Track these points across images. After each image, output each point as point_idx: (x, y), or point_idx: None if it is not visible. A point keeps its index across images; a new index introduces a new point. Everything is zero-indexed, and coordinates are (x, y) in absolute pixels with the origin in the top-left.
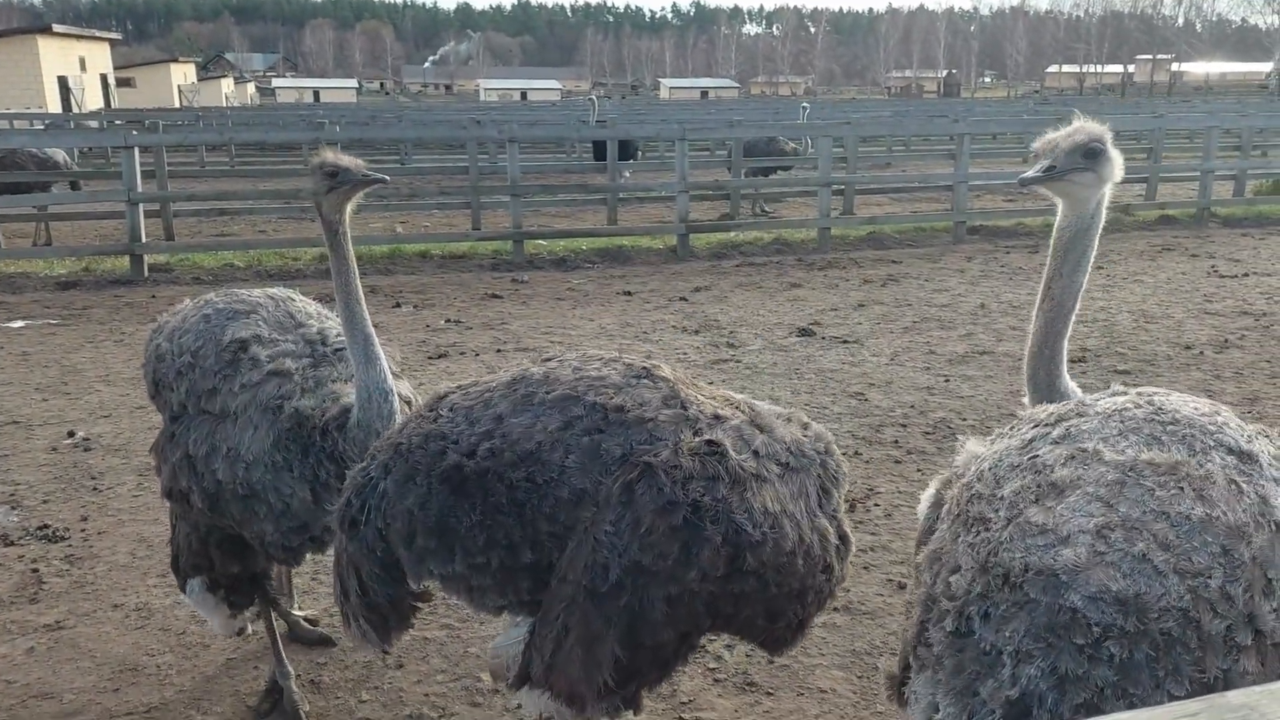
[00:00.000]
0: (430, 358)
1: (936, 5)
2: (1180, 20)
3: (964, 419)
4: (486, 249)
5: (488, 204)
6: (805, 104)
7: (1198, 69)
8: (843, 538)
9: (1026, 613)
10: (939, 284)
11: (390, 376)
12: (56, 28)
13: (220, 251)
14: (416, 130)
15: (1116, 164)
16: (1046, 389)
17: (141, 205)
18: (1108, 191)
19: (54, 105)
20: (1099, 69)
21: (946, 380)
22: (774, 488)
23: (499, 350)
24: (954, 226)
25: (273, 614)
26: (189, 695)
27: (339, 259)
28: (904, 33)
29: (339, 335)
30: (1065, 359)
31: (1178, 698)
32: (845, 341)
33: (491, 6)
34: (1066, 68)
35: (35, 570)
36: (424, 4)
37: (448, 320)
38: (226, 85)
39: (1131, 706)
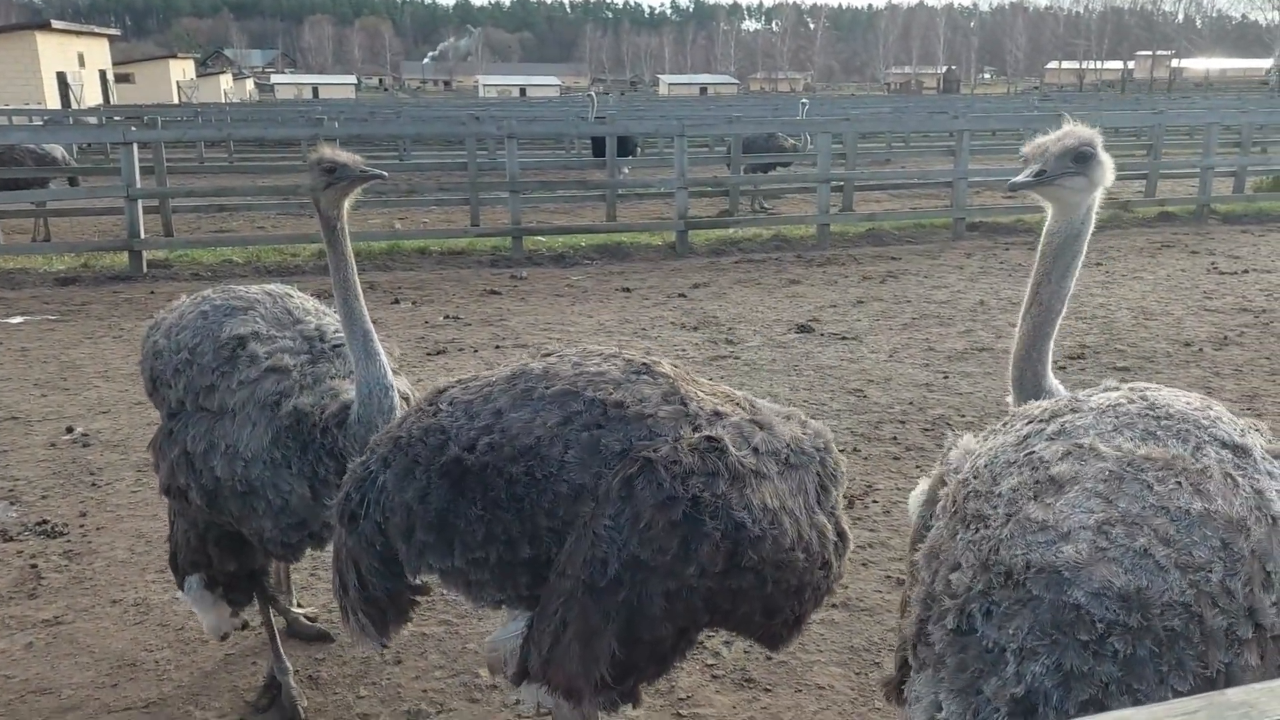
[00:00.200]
0: (429, 354)
1: (936, 1)
2: (1180, 16)
3: (963, 415)
4: (485, 245)
5: (486, 200)
6: (804, 100)
7: (1198, 65)
8: (841, 535)
9: (1030, 610)
10: (938, 280)
11: (390, 372)
12: (55, 23)
13: (219, 247)
14: (415, 126)
15: (1107, 168)
16: (1033, 390)
17: (140, 201)
18: (1099, 195)
19: (53, 101)
20: (1099, 65)
21: (945, 377)
22: (773, 484)
23: (498, 346)
24: (953, 223)
25: (271, 610)
26: (187, 690)
27: (337, 255)
28: (903, 29)
29: (337, 331)
30: (1050, 360)
31: (1181, 692)
32: (844, 338)
33: (491, 2)
34: (1066, 64)
35: (34, 566)
36: (423, 0)
37: (446, 316)
38: (225, 81)
39: (1136, 702)
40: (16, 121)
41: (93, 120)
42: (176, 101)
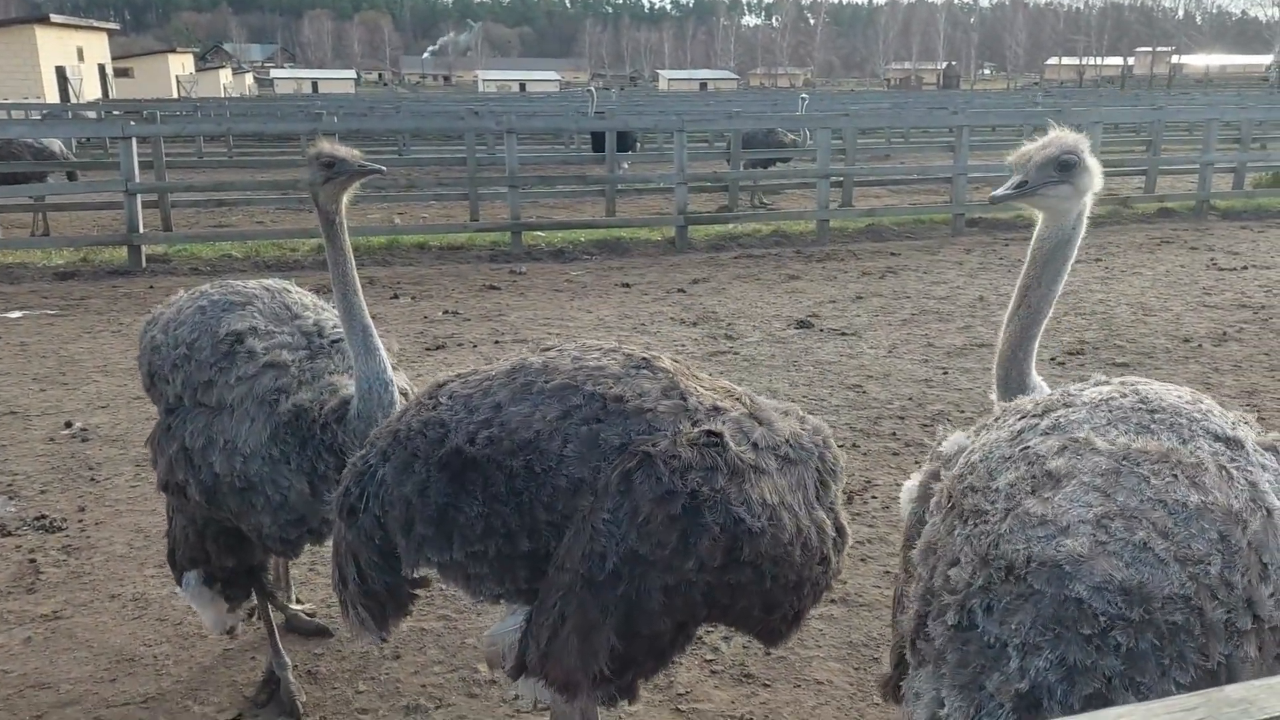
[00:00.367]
0: (428, 349)
1: None
2: (1180, 13)
3: (961, 411)
4: (484, 240)
5: (486, 195)
6: (804, 95)
7: (1198, 61)
8: (840, 531)
9: (1032, 604)
10: (937, 276)
11: (390, 367)
12: (54, 18)
13: (218, 242)
14: (415, 121)
15: (1094, 173)
16: (1018, 388)
17: (139, 196)
18: (1089, 201)
19: (52, 95)
20: (1099, 61)
21: (944, 373)
22: (772, 480)
23: (497, 342)
24: (953, 219)
25: (270, 605)
26: (186, 685)
27: (336, 250)
28: (903, 24)
29: (335, 327)
30: (1035, 358)
31: (1183, 685)
32: (843, 333)
33: None
34: (1066, 60)
35: (32, 560)
36: None
37: (445, 312)
38: (224, 76)
39: (1139, 694)
40: (15, 116)
41: (92, 115)
42: (176, 96)
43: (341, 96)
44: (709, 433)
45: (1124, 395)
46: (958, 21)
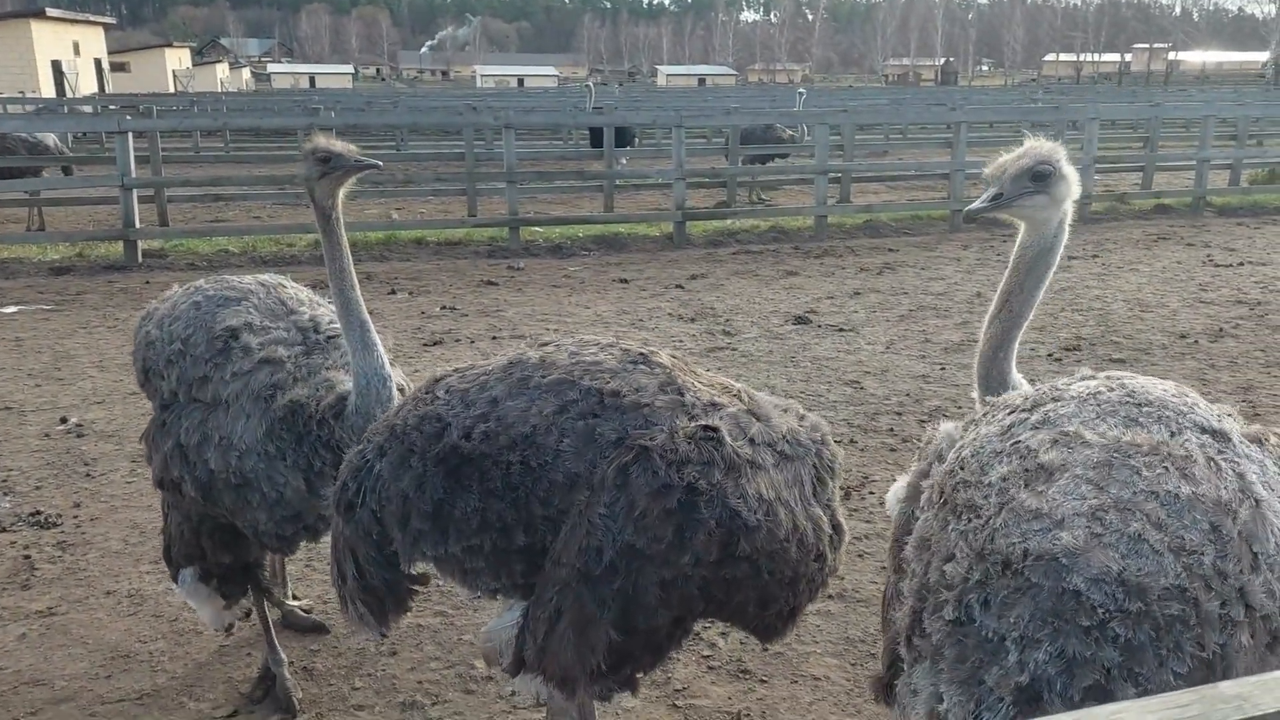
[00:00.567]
0: (425, 345)
1: None
2: (1177, 9)
3: (959, 407)
4: (482, 235)
5: (484, 190)
6: (801, 90)
7: (1195, 58)
8: (836, 527)
9: (1030, 598)
10: (935, 272)
11: (387, 363)
12: (50, 11)
13: (215, 237)
14: (412, 116)
15: (1071, 182)
16: (999, 386)
17: (135, 190)
18: (1069, 209)
19: (48, 89)
20: (1096, 58)
21: (942, 369)
22: (769, 475)
23: (494, 337)
24: (950, 215)
25: (265, 602)
26: (181, 682)
27: (332, 245)
28: (901, 20)
29: (331, 322)
30: (1015, 358)
31: (1180, 675)
32: (841, 329)
33: None
34: (1064, 56)
35: (27, 556)
36: None
37: (443, 307)
38: (222, 70)
39: (1138, 685)
40: (11, 110)
41: (88, 109)
42: (172, 91)
43: (339, 91)
44: (706, 427)
45: (1111, 389)
46: (956, 18)
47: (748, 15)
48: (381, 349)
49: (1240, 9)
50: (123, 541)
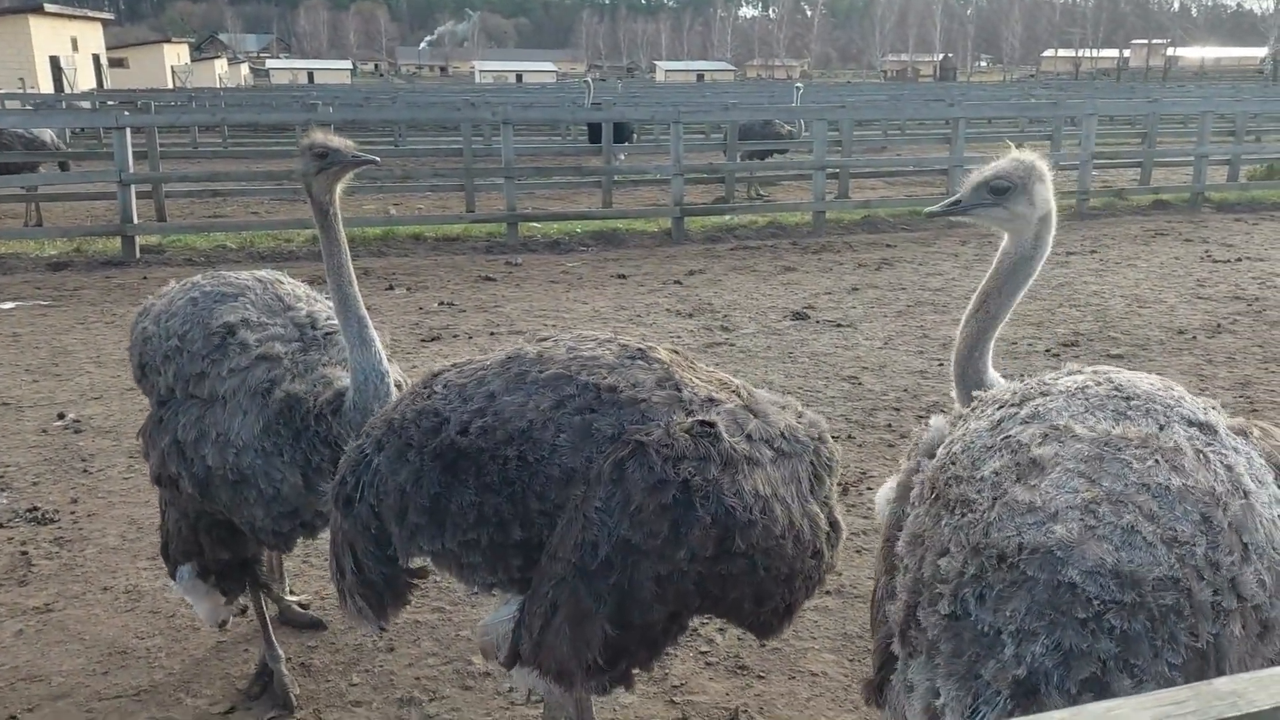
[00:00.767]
0: (423, 340)
1: None
2: (1176, 5)
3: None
4: (480, 231)
5: (482, 186)
6: (798, 85)
7: (1193, 54)
8: (833, 525)
9: (1025, 591)
10: (933, 268)
11: (385, 359)
12: (48, 7)
13: (212, 233)
14: (411, 112)
15: (1037, 198)
16: (975, 385)
17: (133, 186)
18: (1052, 222)
19: (46, 85)
20: (1094, 53)
21: (940, 364)
22: (766, 471)
23: (492, 333)
24: None
25: (263, 597)
26: (178, 678)
27: (330, 240)
28: (900, 16)
29: (329, 318)
30: (991, 356)
31: (1174, 665)
32: (839, 325)
33: None
34: (1062, 52)
35: (24, 552)
36: None
37: (441, 303)
38: (220, 66)
39: (1134, 676)
40: (9, 106)
41: (86, 105)
42: (171, 86)
43: (337, 87)
44: (703, 423)
45: (1098, 383)
46: (954, 14)
47: (746, 11)
48: (379, 345)
49: (1238, 5)
50: (120, 537)
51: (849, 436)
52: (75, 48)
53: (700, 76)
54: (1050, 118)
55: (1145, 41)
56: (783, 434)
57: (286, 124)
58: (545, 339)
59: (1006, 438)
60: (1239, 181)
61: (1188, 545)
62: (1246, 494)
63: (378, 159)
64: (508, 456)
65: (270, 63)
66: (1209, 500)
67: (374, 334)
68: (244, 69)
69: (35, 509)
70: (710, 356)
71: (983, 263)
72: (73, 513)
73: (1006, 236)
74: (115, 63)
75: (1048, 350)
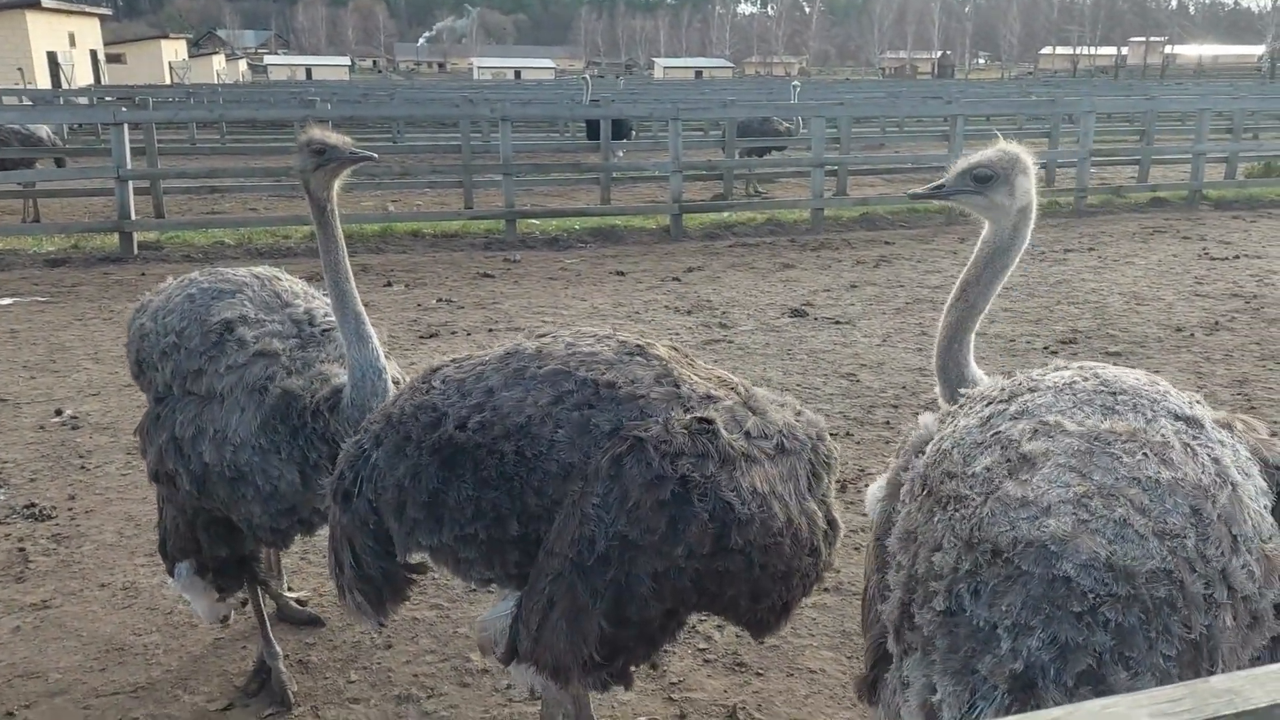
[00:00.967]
0: (421, 337)
1: None
2: (1174, 3)
3: None
4: (479, 228)
5: (480, 183)
6: (796, 83)
7: (1190, 51)
8: (831, 523)
9: (1020, 585)
10: (931, 265)
11: (383, 355)
12: (46, 2)
13: (210, 229)
14: (409, 108)
15: (1018, 189)
16: (957, 379)
17: (131, 182)
18: (1032, 215)
19: (44, 81)
20: (1092, 51)
21: None
22: (763, 469)
23: (490, 330)
24: (946, 208)
25: (261, 594)
26: (176, 675)
27: (327, 237)
28: (898, 13)
29: (326, 315)
30: (972, 349)
31: (1169, 657)
32: (837, 322)
33: None
34: (1060, 50)
35: (22, 549)
36: None
37: (439, 299)
38: (218, 62)
39: (1129, 668)
40: (7, 101)
41: (83, 100)
42: (169, 82)
43: (336, 83)
44: (701, 419)
45: (1085, 379)
46: (952, 11)
47: (745, 8)
48: (377, 341)
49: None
50: (117, 534)
51: (847, 434)
52: (73, 43)
53: (699, 73)
54: (1048, 115)
55: (1143, 39)
56: (781, 431)
57: (284, 120)
58: (544, 335)
59: (997, 434)
60: (1237, 179)
61: (1179, 538)
62: (1234, 486)
63: (375, 155)
64: (506, 452)
65: (268, 59)
66: (1198, 493)
67: (371, 331)
68: (242, 65)
69: (33, 505)
70: (708, 353)
71: None
72: (70, 509)
73: (987, 225)
74: (113, 58)
75: (1046, 348)
